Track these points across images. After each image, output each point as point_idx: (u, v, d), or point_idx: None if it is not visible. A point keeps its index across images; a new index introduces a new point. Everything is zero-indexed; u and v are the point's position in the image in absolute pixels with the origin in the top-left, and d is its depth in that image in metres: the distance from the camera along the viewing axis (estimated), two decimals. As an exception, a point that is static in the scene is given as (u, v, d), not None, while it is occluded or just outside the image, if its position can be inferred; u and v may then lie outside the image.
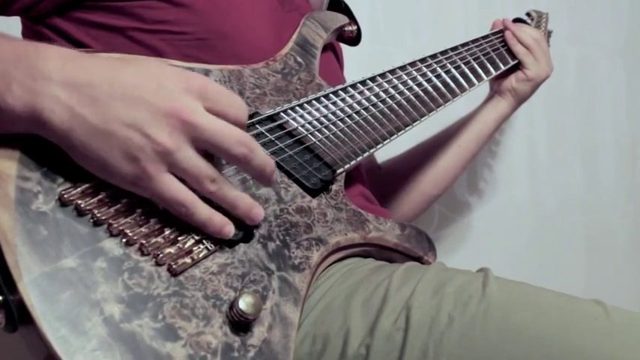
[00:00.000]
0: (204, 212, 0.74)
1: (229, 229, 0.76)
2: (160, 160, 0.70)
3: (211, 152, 0.74)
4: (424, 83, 1.19)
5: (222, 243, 0.77)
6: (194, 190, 0.74)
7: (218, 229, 0.76)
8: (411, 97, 1.15)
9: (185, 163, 0.71)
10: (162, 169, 0.71)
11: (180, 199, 0.72)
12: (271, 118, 0.95)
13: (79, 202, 0.70)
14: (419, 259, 1.02)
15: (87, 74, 0.70)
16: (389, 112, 1.10)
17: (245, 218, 0.78)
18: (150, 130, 0.69)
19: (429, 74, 1.21)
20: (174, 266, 0.72)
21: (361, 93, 1.09)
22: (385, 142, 1.07)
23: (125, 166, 0.70)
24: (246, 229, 0.80)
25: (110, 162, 0.70)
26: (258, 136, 0.91)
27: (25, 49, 0.71)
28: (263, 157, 0.77)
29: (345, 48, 1.34)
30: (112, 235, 0.71)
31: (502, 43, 1.44)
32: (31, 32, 1.02)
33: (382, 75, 1.14)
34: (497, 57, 1.39)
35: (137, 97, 0.70)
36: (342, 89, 1.07)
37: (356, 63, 1.42)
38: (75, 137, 0.69)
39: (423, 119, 1.15)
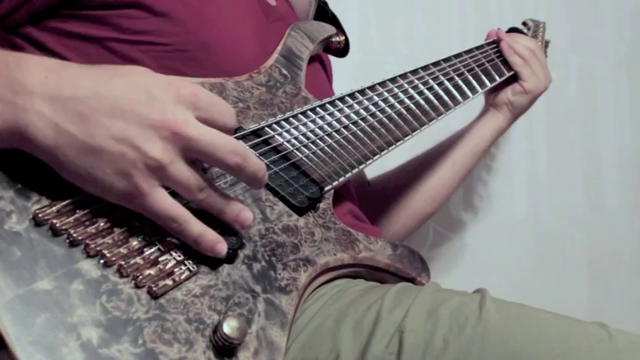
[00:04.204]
0: (196, 229, 0.75)
1: (222, 247, 0.77)
2: (153, 175, 0.71)
3: (203, 161, 0.76)
4: (416, 96, 1.20)
5: (205, 264, 0.78)
6: (182, 199, 0.75)
7: (210, 246, 0.76)
8: (402, 110, 1.16)
9: (177, 175, 0.73)
10: (155, 184, 0.72)
11: (173, 215, 0.74)
12: (255, 134, 0.96)
13: (55, 221, 0.71)
14: (412, 280, 1.03)
15: (72, 87, 0.71)
16: (379, 126, 1.11)
17: (233, 222, 0.79)
18: (142, 145, 0.70)
19: (421, 86, 1.22)
20: (154, 288, 0.73)
21: (350, 106, 1.10)
22: (375, 158, 1.08)
23: (117, 183, 0.71)
24: (230, 250, 0.80)
25: (101, 179, 0.71)
26: None
27: (5, 61, 0.71)
28: (255, 164, 0.78)
29: (334, 58, 1.34)
30: (89, 256, 0.72)
31: (497, 54, 1.45)
32: (3, 42, 1.02)
33: (372, 87, 1.15)
34: (492, 68, 1.40)
35: (126, 110, 0.71)
36: (329, 102, 1.08)
37: (347, 74, 1.43)
38: (62, 154, 0.70)
39: (415, 133, 1.16)
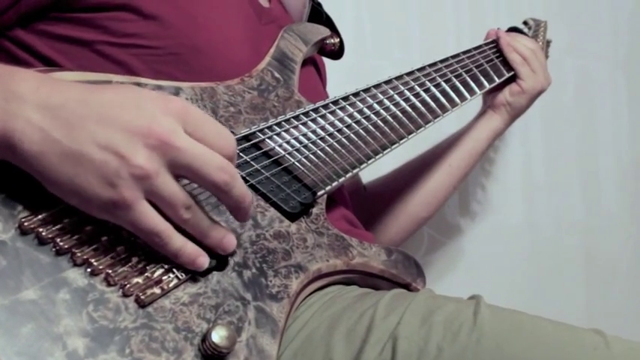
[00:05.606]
0: (177, 242, 0.75)
1: (203, 261, 0.76)
2: (138, 186, 0.70)
3: (188, 178, 0.74)
4: (412, 98, 1.20)
5: (194, 272, 0.77)
6: (165, 216, 0.74)
7: (191, 260, 0.76)
8: (398, 113, 1.16)
9: (162, 189, 0.71)
10: (140, 196, 0.71)
11: (156, 230, 0.73)
12: (246, 138, 0.96)
13: (41, 230, 0.70)
14: (406, 286, 1.03)
15: (62, 96, 0.70)
16: (374, 130, 1.11)
17: (216, 248, 0.78)
18: (127, 153, 0.69)
19: (417, 88, 1.22)
20: (142, 297, 0.72)
21: (343, 109, 1.09)
22: (370, 162, 1.08)
23: (101, 193, 0.69)
24: (219, 257, 0.80)
25: (84, 188, 0.69)
26: None
27: None
28: (243, 188, 0.77)
29: (328, 61, 1.34)
30: (75, 265, 0.71)
31: (496, 54, 1.44)
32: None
33: (366, 90, 1.15)
34: (491, 69, 1.40)
35: (113, 117, 0.70)
36: (323, 106, 1.07)
37: (340, 77, 1.42)
38: (46, 162, 0.69)
39: (410, 137, 1.16)
